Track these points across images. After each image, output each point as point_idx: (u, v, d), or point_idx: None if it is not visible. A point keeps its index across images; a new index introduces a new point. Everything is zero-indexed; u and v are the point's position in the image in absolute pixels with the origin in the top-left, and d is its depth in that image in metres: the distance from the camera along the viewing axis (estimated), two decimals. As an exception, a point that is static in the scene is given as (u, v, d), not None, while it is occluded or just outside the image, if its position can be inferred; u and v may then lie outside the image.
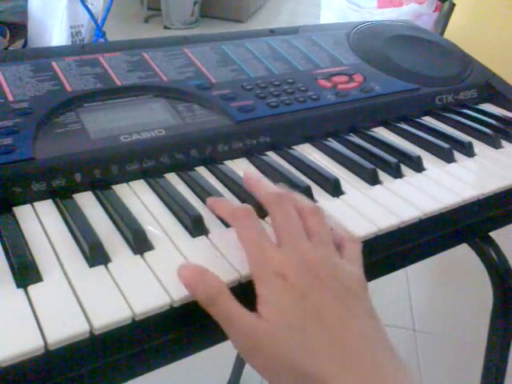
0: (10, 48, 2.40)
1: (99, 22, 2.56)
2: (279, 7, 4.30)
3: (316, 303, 0.33)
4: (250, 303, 0.35)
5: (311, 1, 3.95)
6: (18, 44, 2.51)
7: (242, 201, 0.47)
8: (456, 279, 1.58)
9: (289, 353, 0.32)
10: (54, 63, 0.56)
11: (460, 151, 0.59)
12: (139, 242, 0.40)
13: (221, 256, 0.39)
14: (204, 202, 0.46)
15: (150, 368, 0.35)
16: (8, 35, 2.40)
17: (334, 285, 0.34)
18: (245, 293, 0.37)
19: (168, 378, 1.13)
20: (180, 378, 1.14)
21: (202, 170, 0.51)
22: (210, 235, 0.42)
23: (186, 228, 0.42)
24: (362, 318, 0.34)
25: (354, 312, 0.34)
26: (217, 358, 0.95)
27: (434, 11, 2.39)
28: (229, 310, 0.34)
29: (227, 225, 0.43)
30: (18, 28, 2.44)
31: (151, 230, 0.42)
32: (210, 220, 0.43)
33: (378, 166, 0.53)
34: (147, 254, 0.39)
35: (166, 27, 3.64)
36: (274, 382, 0.33)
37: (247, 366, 1.17)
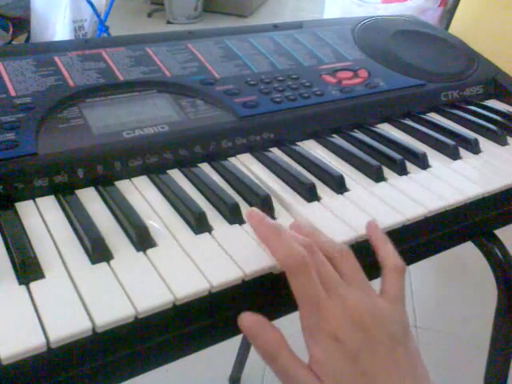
0: (13, 42, 2.39)
1: (102, 16, 2.56)
2: (282, 2, 4.28)
3: (367, 363, 0.34)
4: (255, 302, 0.35)
5: (315, -5, 3.93)
6: (21, 38, 2.50)
7: (245, 198, 0.46)
8: (458, 276, 1.58)
9: None
10: (56, 58, 0.56)
11: (465, 148, 0.59)
12: (142, 239, 0.39)
13: (224, 253, 0.39)
14: (207, 198, 0.46)
15: (151, 366, 0.35)
16: (11, 30, 2.39)
17: (381, 337, 0.35)
18: (248, 290, 0.37)
19: (169, 374, 1.13)
20: (181, 374, 1.14)
21: (205, 166, 0.50)
22: (213, 232, 0.41)
23: (189, 225, 0.42)
24: (410, 378, 0.34)
25: (401, 370, 0.34)
26: (218, 354, 0.95)
27: (439, 6, 2.38)
28: (290, 370, 0.35)
29: (231, 222, 0.43)
30: (20, 22, 2.44)
31: (154, 226, 0.41)
32: (213, 217, 0.43)
33: (382, 162, 0.53)
34: (150, 251, 0.39)
35: (169, 22, 3.63)
36: None
37: (249, 361, 1.17)
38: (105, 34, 2.54)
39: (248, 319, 0.36)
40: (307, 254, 0.36)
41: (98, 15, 2.51)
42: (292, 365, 0.35)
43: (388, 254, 0.40)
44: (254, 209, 0.40)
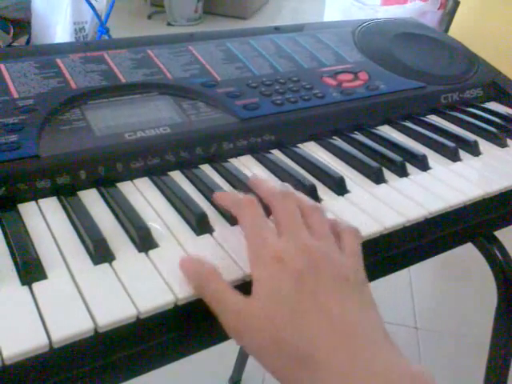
0: (14, 44, 2.40)
1: (103, 18, 2.56)
2: (283, 4, 4.29)
3: (312, 285, 0.33)
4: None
5: (315, -3, 3.94)
6: (22, 40, 2.51)
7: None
8: (458, 277, 1.58)
9: (280, 328, 0.32)
10: (58, 60, 0.56)
11: (465, 150, 0.59)
12: (144, 240, 0.40)
13: (225, 254, 0.39)
14: (209, 199, 0.46)
15: (153, 366, 0.35)
16: (12, 31, 2.40)
17: (331, 272, 0.34)
18: (249, 291, 0.37)
19: (170, 374, 1.13)
20: (182, 375, 1.14)
21: (206, 168, 0.51)
22: (214, 233, 0.42)
23: (191, 226, 0.42)
24: (360, 307, 0.33)
25: (350, 300, 0.33)
26: (219, 355, 0.95)
27: (439, 9, 2.38)
28: (220, 292, 0.35)
29: (232, 223, 0.43)
30: (21, 24, 2.44)
31: (156, 227, 0.42)
32: (214, 218, 0.43)
33: (383, 164, 0.53)
34: (152, 252, 0.39)
35: (169, 24, 3.64)
36: (262, 361, 0.33)
37: (249, 363, 1.17)
38: (105, 36, 2.54)
39: (188, 257, 0.38)
40: (278, 200, 0.39)
41: (99, 17, 2.52)
42: (222, 288, 0.35)
43: (344, 223, 0.40)
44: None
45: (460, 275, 1.58)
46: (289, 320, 0.32)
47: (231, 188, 0.48)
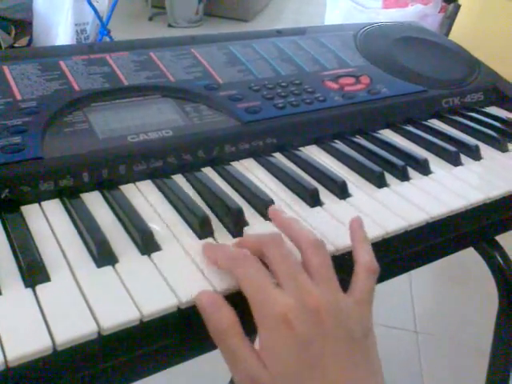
0: (15, 45, 2.40)
1: (104, 19, 2.57)
2: (284, 6, 4.30)
3: (318, 352, 0.32)
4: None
5: (316, 0, 3.95)
6: (23, 41, 2.51)
7: (248, 202, 0.47)
8: (459, 281, 1.58)
9: None
10: (61, 62, 0.56)
11: (467, 154, 0.59)
12: (147, 243, 0.40)
13: (228, 258, 0.39)
14: (208, 204, 0.46)
15: (156, 369, 0.35)
16: (13, 32, 2.40)
17: (337, 333, 0.33)
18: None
19: (170, 377, 1.13)
20: (182, 377, 1.14)
21: (208, 171, 0.51)
22: (216, 237, 0.42)
23: (193, 229, 0.42)
24: (364, 372, 0.33)
25: (355, 364, 0.33)
26: (220, 358, 0.95)
27: (439, 12, 2.39)
28: (237, 351, 0.34)
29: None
30: (23, 25, 2.45)
31: (158, 230, 0.42)
32: (216, 222, 0.43)
33: (384, 168, 0.53)
34: (155, 255, 0.39)
35: (170, 25, 3.64)
36: None
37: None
38: (106, 38, 2.55)
39: (204, 295, 0.35)
40: (270, 247, 0.36)
41: (100, 18, 2.52)
42: (240, 346, 0.33)
43: (363, 252, 0.39)
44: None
45: (460, 279, 1.58)
46: None
47: (233, 191, 0.48)
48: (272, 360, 0.33)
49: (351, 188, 0.50)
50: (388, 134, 0.62)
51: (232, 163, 0.52)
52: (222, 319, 0.34)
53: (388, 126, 0.64)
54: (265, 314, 0.34)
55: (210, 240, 0.41)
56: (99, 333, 0.33)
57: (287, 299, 0.34)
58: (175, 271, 0.37)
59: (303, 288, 0.34)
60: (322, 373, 0.32)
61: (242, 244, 0.39)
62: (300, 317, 0.33)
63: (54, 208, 0.43)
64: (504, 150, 0.61)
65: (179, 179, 0.49)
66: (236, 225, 0.43)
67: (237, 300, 0.36)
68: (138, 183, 0.48)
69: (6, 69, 0.54)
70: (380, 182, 0.51)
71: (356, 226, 0.41)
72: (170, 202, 0.46)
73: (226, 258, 0.37)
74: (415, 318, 1.42)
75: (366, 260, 0.38)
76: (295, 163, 0.54)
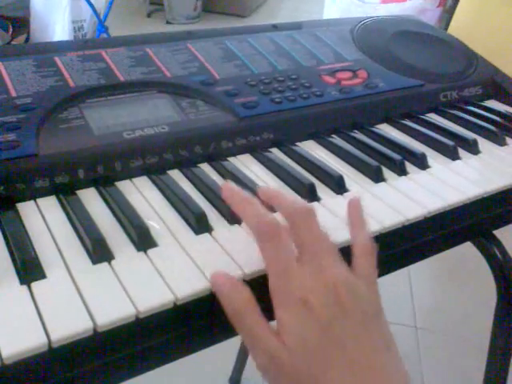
0: (13, 42, 2.39)
1: (101, 16, 2.56)
2: (282, 2, 4.28)
3: (339, 333, 0.33)
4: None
5: (314, -4, 3.94)
6: (21, 39, 2.50)
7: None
8: (458, 276, 1.58)
9: (311, 381, 0.32)
10: (56, 58, 0.56)
11: (464, 148, 0.59)
12: (143, 239, 0.39)
13: (224, 253, 0.39)
14: (207, 199, 0.46)
15: (152, 366, 0.35)
16: (11, 30, 2.40)
17: (355, 313, 0.34)
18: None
19: (169, 374, 1.13)
20: (181, 374, 1.14)
21: (205, 167, 0.50)
22: (213, 233, 0.42)
23: (190, 225, 0.42)
24: (382, 350, 0.34)
25: (373, 342, 0.34)
26: (219, 354, 0.96)
27: (438, 6, 2.38)
28: (255, 329, 0.34)
29: (231, 222, 0.43)
30: (20, 22, 2.44)
31: (154, 226, 0.42)
32: (213, 217, 0.43)
33: (382, 163, 0.53)
34: (151, 251, 0.39)
35: (168, 22, 3.63)
36: None
37: (249, 363, 1.17)
38: (104, 35, 2.54)
39: (220, 276, 0.35)
40: (302, 228, 0.37)
41: (98, 15, 2.51)
42: (258, 326, 0.34)
43: (359, 233, 0.40)
44: (229, 181, 0.41)
45: (459, 274, 1.58)
46: (320, 373, 0.32)
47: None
48: (292, 340, 0.33)
49: (348, 183, 0.50)
50: (385, 129, 0.62)
51: (229, 159, 0.52)
52: (238, 299, 0.34)
53: (385, 120, 0.63)
54: (283, 291, 0.34)
55: (206, 236, 0.41)
56: (95, 329, 0.32)
57: (309, 282, 0.34)
58: (171, 267, 0.37)
59: (324, 268, 0.35)
60: (342, 351, 0.33)
61: (273, 201, 0.40)
62: (321, 297, 0.34)
63: (49, 205, 0.43)
64: (502, 143, 0.61)
65: (176, 175, 0.49)
66: (233, 219, 0.43)
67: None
68: (134, 179, 0.48)
69: (1, 65, 0.53)
70: (377, 177, 0.51)
71: (356, 205, 0.42)
72: (167, 197, 0.45)
73: (256, 223, 0.37)
74: (415, 314, 1.42)
75: (363, 240, 0.39)
76: (292, 158, 0.54)
